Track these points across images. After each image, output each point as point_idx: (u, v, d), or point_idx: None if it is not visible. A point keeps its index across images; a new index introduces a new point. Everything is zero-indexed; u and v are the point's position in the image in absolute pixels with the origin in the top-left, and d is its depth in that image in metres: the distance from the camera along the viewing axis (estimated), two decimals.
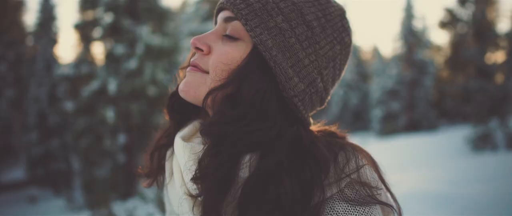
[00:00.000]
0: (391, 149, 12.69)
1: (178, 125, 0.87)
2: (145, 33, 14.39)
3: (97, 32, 15.39)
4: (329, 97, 0.82)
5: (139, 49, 14.21)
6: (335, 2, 0.79)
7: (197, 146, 0.73)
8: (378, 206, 0.66)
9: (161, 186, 0.91)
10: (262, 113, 0.67)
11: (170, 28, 17.24)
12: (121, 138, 15.46)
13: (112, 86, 13.88)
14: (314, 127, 0.80)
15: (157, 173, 0.90)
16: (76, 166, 19.72)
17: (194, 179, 0.67)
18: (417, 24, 25.59)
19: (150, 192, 7.15)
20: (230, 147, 0.66)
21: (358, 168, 0.67)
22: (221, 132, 0.67)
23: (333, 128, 0.81)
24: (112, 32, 14.73)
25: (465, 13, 23.26)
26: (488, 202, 6.22)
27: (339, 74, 0.81)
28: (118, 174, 14.06)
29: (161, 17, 15.75)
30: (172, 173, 0.82)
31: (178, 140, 0.76)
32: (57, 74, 17.45)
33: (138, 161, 17.97)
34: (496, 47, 24.14)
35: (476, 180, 7.42)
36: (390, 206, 0.69)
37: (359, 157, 0.70)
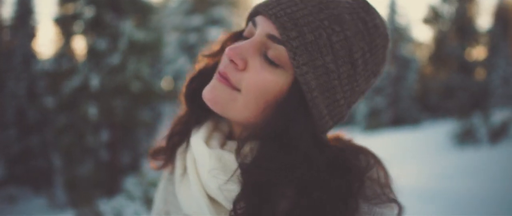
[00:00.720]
0: (376, 144, 12.76)
1: (195, 116, 0.83)
2: (129, 27, 14.13)
3: (78, 26, 15.03)
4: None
5: (122, 43, 13.95)
6: (382, 28, 0.73)
7: (226, 155, 0.71)
8: (393, 204, 0.69)
9: (171, 171, 0.89)
10: (306, 157, 0.66)
11: (153, 23, 16.99)
12: (104, 135, 15.20)
13: (95, 81, 13.60)
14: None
15: (169, 159, 0.87)
16: (57, 164, 19.30)
17: (236, 200, 0.67)
18: (401, 20, 25.91)
19: (136, 190, 7.00)
20: (270, 195, 0.65)
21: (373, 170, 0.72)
22: (265, 179, 0.65)
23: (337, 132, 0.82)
24: (94, 27, 14.41)
25: (448, 9, 23.67)
26: (474, 196, 6.31)
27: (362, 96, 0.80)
28: (101, 171, 13.83)
29: (144, 11, 15.50)
30: (184, 169, 0.80)
31: (200, 143, 0.74)
32: (36, 69, 17.03)
33: (122, 157, 17.71)
34: (477, 43, 24.69)
35: (461, 175, 7.53)
36: (399, 203, 0.71)
37: (370, 159, 0.73)
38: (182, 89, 0.86)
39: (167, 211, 0.87)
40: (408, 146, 12.07)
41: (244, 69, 0.68)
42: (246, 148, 0.70)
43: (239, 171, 0.67)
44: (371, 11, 0.71)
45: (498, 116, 12.77)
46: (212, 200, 0.72)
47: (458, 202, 6.08)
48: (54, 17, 15.57)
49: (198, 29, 20.77)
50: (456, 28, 23.39)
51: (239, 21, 22.21)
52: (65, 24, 15.35)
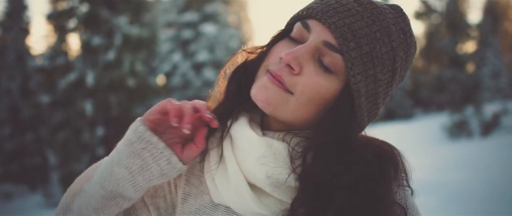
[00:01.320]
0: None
1: (232, 108, 0.82)
2: (123, 23, 14.08)
3: (72, 22, 14.93)
4: None
5: (117, 40, 13.91)
6: (414, 36, 0.80)
7: (276, 143, 0.74)
8: (408, 189, 0.80)
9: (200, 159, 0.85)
10: (360, 157, 0.71)
11: (147, 19, 16.92)
12: (100, 131, 15.16)
13: (90, 77, 13.56)
14: None
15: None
16: (53, 161, 19.18)
17: (293, 203, 0.71)
18: None
19: None
20: (327, 196, 0.69)
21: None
22: (324, 181, 0.69)
23: None
24: (88, 23, 14.33)
25: (440, 4, 23.88)
26: (468, 187, 6.46)
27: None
28: None
29: (138, 7, 15.44)
30: (220, 158, 0.79)
31: (248, 130, 0.76)
32: (31, 65, 16.88)
33: None
34: (467, 37, 24.95)
35: (455, 167, 7.68)
36: (412, 189, 0.81)
37: (394, 149, 0.79)
38: (222, 83, 0.86)
39: (188, 192, 0.85)
40: (401, 139, 12.21)
41: (299, 73, 0.71)
42: (294, 140, 0.74)
43: (294, 164, 0.72)
44: (407, 21, 0.77)
45: (489, 109, 13.03)
46: (253, 187, 0.73)
47: (453, 193, 6.23)
48: (47, 13, 15.45)
49: (192, 25, 20.72)
50: (447, 22, 23.62)
51: (233, 18, 22.22)
52: (58, 20, 15.23)
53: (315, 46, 0.71)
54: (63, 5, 15.10)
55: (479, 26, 24.93)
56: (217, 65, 20.94)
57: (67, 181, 13.79)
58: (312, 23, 0.73)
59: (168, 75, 21.16)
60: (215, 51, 20.65)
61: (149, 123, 0.75)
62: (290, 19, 0.80)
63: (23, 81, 19.52)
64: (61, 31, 15.54)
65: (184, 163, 0.76)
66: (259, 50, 0.85)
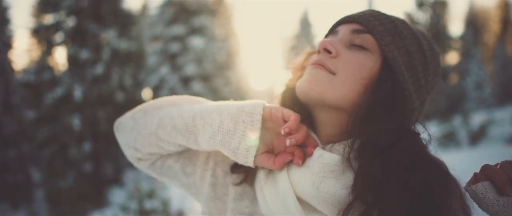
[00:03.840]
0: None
1: None
2: (112, 37, 13.98)
3: (59, 36, 14.75)
4: None
5: (106, 53, 13.78)
6: (429, 37, 0.88)
7: (326, 154, 0.74)
8: None
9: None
10: (409, 121, 0.73)
11: (134, 32, 16.85)
12: (87, 146, 14.90)
13: (78, 92, 13.36)
14: None
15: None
16: (37, 177, 18.67)
17: (357, 192, 0.69)
18: None
19: (130, 202, 6.92)
20: (399, 163, 0.69)
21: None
22: (388, 142, 0.70)
23: None
24: (76, 37, 14.19)
25: (423, 16, 24.49)
26: None
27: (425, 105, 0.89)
28: (85, 184, 13.53)
29: (125, 21, 15.40)
30: (270, 171, 0.80)
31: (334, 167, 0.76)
32: (14, 80, 16.53)
33: (106, 170, 17.35)
34: (450, 49, 25.59)
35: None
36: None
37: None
38: (278, 100, 0.90)
39: (241, 193, 0.85)
40: None
41: (336, 56, 0.77)
42: (343, 148, 0.75)
43: (347, 173, 0.72)
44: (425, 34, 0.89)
45: (476, 119, 13.30)
46: (301, 201, 0.74)
47: None
48: (33, 27, 15.24)
49: (179, 38, 20.69)
50: (430, 34, 24.22)
51: (220, 31, 22.26)
52: (44, 34, 15.04)
53: (345, 35, 0.80)
54: (49, 19, 14.93)
55: (462, 37, 25.62)
56: (205, 78, 20.89)
57: (53, 197, 13.45)
58: (339, 28, 0.83)
59: (156, 88, 20.98)
60: (203, 64, 20.62)
61: (267, 113, 0.76)
62: (325, 37, 0.87)
63: (5, 96, 19.07)
64: (47, 45, 15.32)
65: (253, 162, 0.76)
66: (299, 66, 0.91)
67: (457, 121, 12.73)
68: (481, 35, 31.20)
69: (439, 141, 12.15)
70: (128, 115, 0.95)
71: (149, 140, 0.86)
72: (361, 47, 0.77)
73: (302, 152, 0.77)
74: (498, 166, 0.71)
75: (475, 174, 0.75)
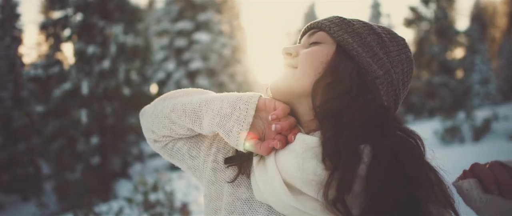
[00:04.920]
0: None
1: None
2: (118, 32, 14.12)
3: (66, 31, 14.94)
4: (398, 106, 0.93)
5: (112, 48, 13.94)
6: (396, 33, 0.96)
7: (307, 137, 0.81)
8: None
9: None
10: (363, 87, 0.80)
11: (141, 28, 16.97)
12: (95, 140, 15.12)
13: (85, 87, 13.55)
14: None
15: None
16: (46, 170, 19.00)
17: (323, 158, 0.75)
18: (384, 21, 26.47)
19: (136, 195, 7.06)
20: (349, 123, 0.75)
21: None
22: (337, 108, 0.78)
23: None
24: (83, 32, 14.36)
25: (428, 11, 24.30)
26: None
27: (407, 83, 0.92)
28: (93, 177, 13.77)
29: (132, 16, 15.50)
30: (262, 157, 0.87)
31: (310, 158, 0.81)
32: (23, 75, 16.79)
33: (113, 163, 17.60)
34: (457, 44, 25.36)
35: (448, 171, 7.85)
36: None
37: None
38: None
39: (240, 180, 0.92)
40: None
41: (297, 55, 0.89)
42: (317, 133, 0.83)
43: (320, 149, 0.77)
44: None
45: (480, 114, 13.28)
46: (287, 184, 0.78)
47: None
48: (41, 23, 15.43)
49: (186, 34, 20.80)
50: (436, 29, 24.02)
51: (226, 26, 22.35)
52: (52, 29, 15.23)
53: (305, 42, 0.93)
54: (57, 14, 15.11)
55: (467, 32, 25.38)
56: (211, 73, 21.02)
57: (61, 190, 13.70)
58: (302, 39, 0.96)
59: (162, 83, 21.15)
60: (209, 59, 20.74)
61: (261, 103, 0.87)
62: None
63: (15, 90, 19.38)
64: (55, 40, 15.51)
65: (243, 146, 0.85)
66: None
67: (461, 116, 12.73)
68: (488, 31, 30.89)
69: (443, 136, 12.18)
70: (152, 102, 1.08)
71: (163, 123, 0.98)
72: (316, 43, 0.89)
73: (285, 138, 0.84)
74: (487, 166, 0.76)
75: (464, 171, 0.79)
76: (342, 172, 0.72)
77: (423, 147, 0.81)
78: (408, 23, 24.48)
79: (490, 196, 0.69)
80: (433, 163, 0.82)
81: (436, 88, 23.42)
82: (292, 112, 0.90)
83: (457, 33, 24.98)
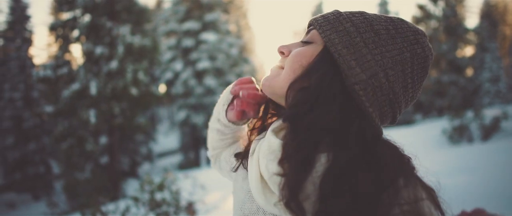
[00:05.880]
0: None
1: (268, 115, 1.00)
2: (126, 33, 14.24)
3: (75, 33, 15.11)
4: (402, 107, 0.86)
5: (120, 49, 14.07)
6: (412, 25, 0.86)
7: (272, 138, 0.83)
8: None
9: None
10: (327, 97, 0.76)
11: (148, 28, 17.08)
12: (103, 139, 15.27)
13: (93, 87, 13.70)
14: None
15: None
16: (56, 170, 19.25)
17: (279, 162, 0.76)
18: None
19: (142, 194, 7.13)
20: (304, 131, 0.74)
21: (416, 201, 0.70)
22: (296, 115, 0.76)
23: None
24: (91, 33, 14.51)
25: (437, 9, 24.07)
26: (469, 191, 6.55)
27: (413, 84, 0.84)
28: (101, 176, 13.92)
29: (139, 17, 15.62)
30: (253, 152, 0.91)
31: (269, 130, 0.88)
32: (34, 75, 17.02)
33: (121, 163, 17.78)
34: (466, 42, 25.08)
35: (457, 171, 7.76)
36: None
37: (419, 188, 0.73)
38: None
39: (234, 177, 1.04)
40: (403, 144, 12.29)
41: (288, 55, 0.87)
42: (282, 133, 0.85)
43: (280, 153, 0.79)
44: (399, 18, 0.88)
45: (489, 113, 13.12)
46: (262, 179, 0.82)
47: (454, 197, 6.30)
48: (51, 24, 15.62)
49: (193, 34, 20.90)
50: (444, 27, 23.78)
51: (233, 26, 22.41)
52: (61, 30, 15.41)
53: (302, 39, 0.89)
54: (65, 16, 15.29)
55: (476, 30, 25.09)
56: (218, 73, 21.09)
57: (70, 189, 13.86)
58: None
59: (170, 83, 21.29)
60: (216, 59, 20.81)
61: (233, 88, 1.00)
62: None
63: (26, 91, 19.68)
64: (64, 41, 15.71)
65: (228, 119, 1.03)
66: None
67: (469, 115, 12.59)
68: (499, 28, 30.47)
69: (451, 135, 12.06)
70: None
71: (209, 135, 1.15)
72: (308, 42, 0.85)
73: (252, 106, 0.97)
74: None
75: (463, 212, 0.73)
76: (289, 178, 0.73)
77: (401, 164, 0.75)
78: (416, 21, 24.26)
79: None
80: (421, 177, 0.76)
81: (445, 87, 23.18)
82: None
83: (466, 31, 24.69)
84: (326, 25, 0.82)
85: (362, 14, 0.84)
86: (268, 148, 0.82)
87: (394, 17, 0.85)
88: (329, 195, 0.70)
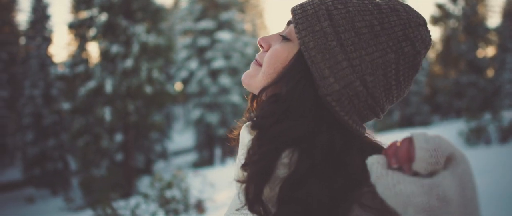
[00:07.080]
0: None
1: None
2: (141, 32, 14.43)
3: (92, 31, 15.39)
4: (386, 107, 0.82)
5: (135, 48, 14.26)
6: (405, 13, 0.77)
7: (245, 133, 0.82)
8: None
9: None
10: (297, 110, 0.72)
11: (164, 27, 17.25)
12: (118, 137, 15.51)
13: (109, 85, 13.93)
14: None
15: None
16: (73, 166, 19.69)
17: (243, 166, 0.75)
18: None
19: (152, 191, 7.22)
20: (269, 141, 0.72)
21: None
22: (261, 126, 0.74)
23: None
24: (107, 32, 14.75)
25: (456, 8, 23.57)
26: (486, 193, 6.41)
27: (398, 85, 0.78)
28: (116, 173, 14.16)
29: (155, 15, 15.79)
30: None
31: (244, 126, 0.85)
32: (53, 73, 17.44)
33: (135, 159, 18.03)
34: (487, 42, 24.49)
35: (474, 173, 7.62)
36: None
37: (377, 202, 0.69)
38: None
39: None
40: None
41: (268, 50, 0.82)
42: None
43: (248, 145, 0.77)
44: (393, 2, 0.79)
45: (508, 116, 12.79)
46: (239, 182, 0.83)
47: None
48: (69, 23, 15.95)
49: (208, 33, 21.02)
50: (464, 26, 23.27)
51: (249, 25, 22.47)
52: (79, 29, 15.73)
53: (284, 30, 0.82)
54: (83, 15, 15.59)
55: (498, 30, 24.45)
56: (233, 72, 21.16)
57: (86, 185, 14.15)
58: None
59: (185, 82, 21.47)
60: (231, 58, 20.88)
61: None
62: None
63: (45, 88, 20.18)
64: (81, 40, 16.02)
65: None
66: None
67: (487, 117, 12.30)
68: None
69: (468, 137, 11.81)
70: None
71: None
72: (285, 38, 0.79)
73: None
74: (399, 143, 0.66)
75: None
76: (248, 186, 0.72)
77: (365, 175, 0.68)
78: (435, 21, 23.81)
79: (387, 171, 0.60)
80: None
81: (464, 88, 22.68)
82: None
83: (487, 30, 24.09)
84: (303, 23, 0.75)
85: (345, 4, 0.75)
86: (241, 142, 0.82)
87: (384, 4, 0.76)
88: (284, 201, 0.68)
